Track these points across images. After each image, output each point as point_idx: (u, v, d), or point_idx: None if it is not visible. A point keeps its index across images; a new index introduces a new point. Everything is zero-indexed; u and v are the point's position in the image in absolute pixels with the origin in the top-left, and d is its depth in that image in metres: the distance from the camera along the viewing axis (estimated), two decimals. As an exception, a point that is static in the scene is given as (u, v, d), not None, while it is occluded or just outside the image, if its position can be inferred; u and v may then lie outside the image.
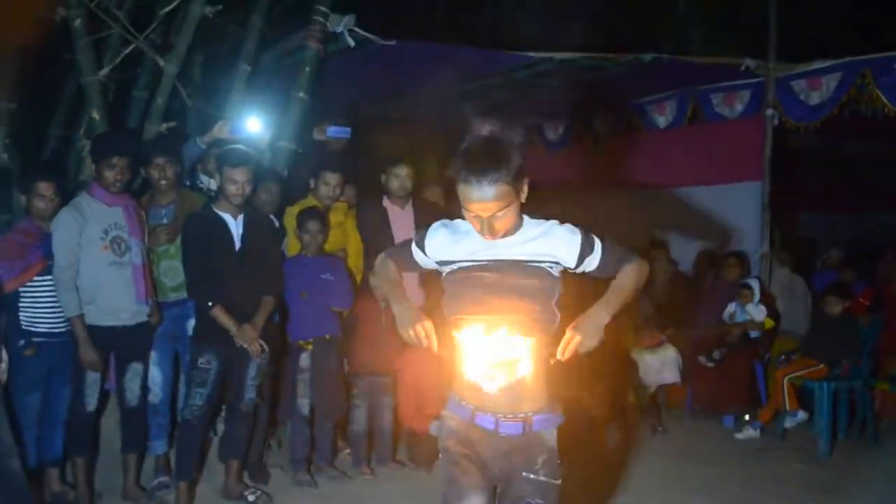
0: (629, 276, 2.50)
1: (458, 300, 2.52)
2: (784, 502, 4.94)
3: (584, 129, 9.10)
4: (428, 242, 2.61)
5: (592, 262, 2.49)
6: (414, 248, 2.66)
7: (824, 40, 7.34)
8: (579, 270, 2.51)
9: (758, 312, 6.59)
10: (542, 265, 2.46)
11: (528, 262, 2.46)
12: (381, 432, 5.37)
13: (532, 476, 2.50)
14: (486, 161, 2.32)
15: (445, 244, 2.57)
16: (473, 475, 2.51)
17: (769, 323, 6.63)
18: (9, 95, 4.87)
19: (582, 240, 2.46)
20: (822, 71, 7.08)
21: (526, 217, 2.51)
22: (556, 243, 2.46)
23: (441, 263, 2.60)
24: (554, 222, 2.51)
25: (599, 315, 2.43)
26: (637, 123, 8.61)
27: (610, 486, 5.13)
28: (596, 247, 2.48)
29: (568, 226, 2.50)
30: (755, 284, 6.70)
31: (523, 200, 2.43)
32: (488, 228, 2.38)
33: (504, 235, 2.45)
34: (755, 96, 7.59)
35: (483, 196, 2.33)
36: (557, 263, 2.47)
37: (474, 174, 2.32)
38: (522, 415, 2.49)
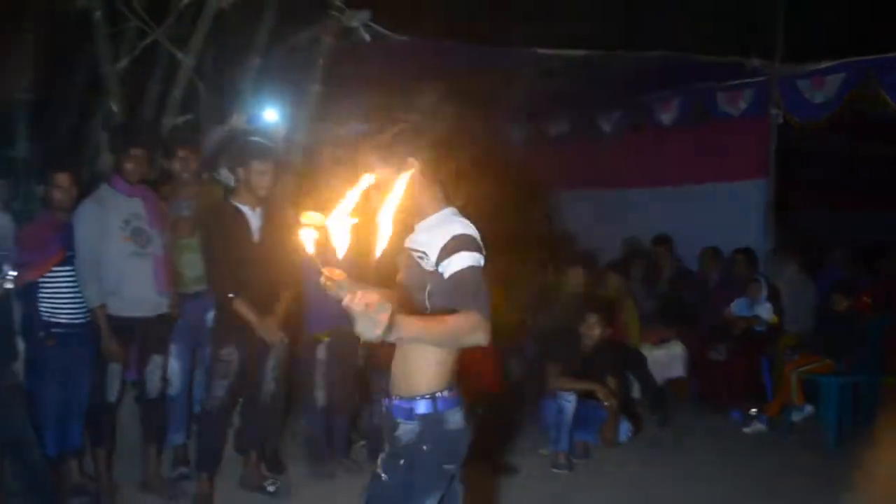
0: (458, 320, 2.20)
1: None
2: (794, 494, 5.01)
3: (588, 126, 9.14)
4: None
5: (446, 271, 2.32)
6: None
7: (830, 40, 7.40)
8: (440, 272, 2.34)
9: (765, 311, 6.67)
10: (415, 255, 2.46)
11: (410, 250, 2.49)
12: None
13: (379, 458, 2.50)
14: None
15: None
16: None
17: (775, 319, 6.71)
18: (30, 85, 4.87)
19: (447, 242, 2.34)
20: (826, 71, 7.16)
21: (448, 208, 2.50)
22: (434, 238, 2.39)
23: None
24: (456, 220, 2.42)
25: (395, 326, 1.99)
26: (642, 121, 8.66)
27: (620, 479, 5.18)
28: (455, 260, 2.30)
29: (458, 226, 2.38)
30: (764, 281, 6.77)
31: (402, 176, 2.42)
32: None
33: (417, 221, 2.51)
34: (759, 95, 7.67)
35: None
36: (427, 256, 2.40)
37: None
38: (394, 395, 2.47)
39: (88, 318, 4.37)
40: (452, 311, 2.23)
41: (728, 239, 7.43)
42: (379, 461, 2.46)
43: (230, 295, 4.40)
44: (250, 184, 4.40)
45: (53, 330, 4.36)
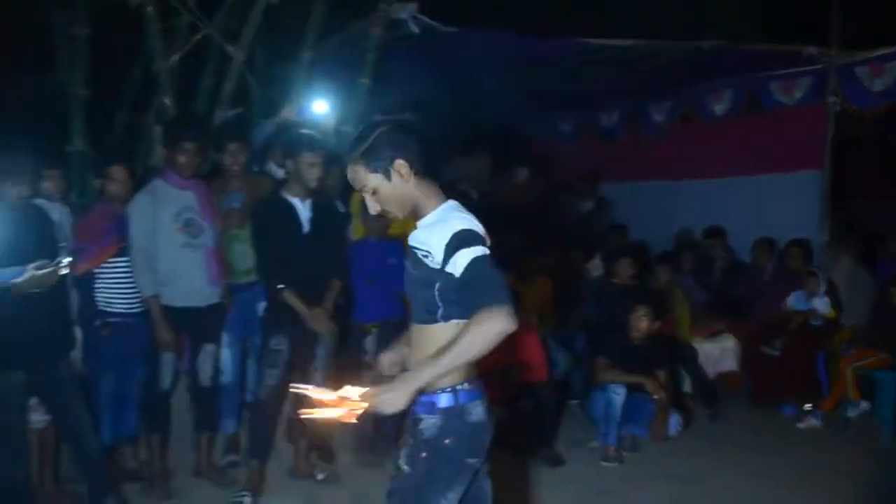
0: (474, 331, 2.23)
1: None
2: (847, 491, 4.90)
3: (639, 116, 9.04)
4: None
5: (454, 270, 2.29)
6: None
7: (886, 27, 7.23)
8: (448, 271, 2.31)
9: (823, 305, 6.54)
10: (418, 252, 2.42)
11: (413, 248, 2.46)
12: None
13: (401, 451, 2.49)
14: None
15: None
16: None
17: (833, 313, 6.57)
18: (83, 82, 4.98)
19: (451, 238, 2.31)
20: (885, 58, 6.99)
21: (447, 203, 2.46)
22: (436, 234, 2.36)
23: None
24: (456, 215, 2.40)
25: (411, 382, 2.25)
26: (693, 112, 8.54)
27: (670, 473, 5.13)
28: (462, 256, 2.28)
29: (457, 222, 2.35)
30: (821, 275, 6.64)
31: (392, 180, 2.41)
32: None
33: (417, 218, 2.49)
34: (815, 84, 7.51)
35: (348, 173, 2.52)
36: (431, 254, 2.36)
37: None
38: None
39: (143, 308, 4.45)
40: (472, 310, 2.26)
41: (782, 231, 7.30)
42: (401, 455, 2.46)
43: (280, 286, 4.45)
44: (300, 175, 4.43)
45: (109, 319, 4.48)
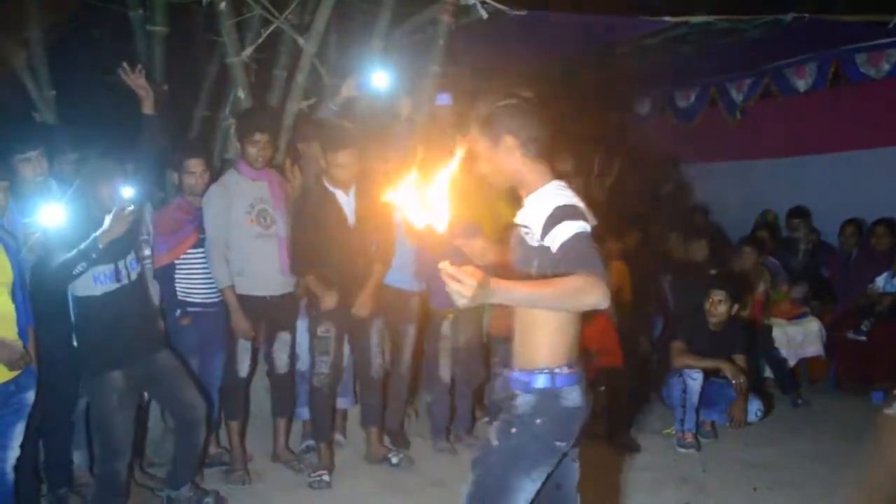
0: (570, 281, 2.15)
1: None
2: (942, 480, 4.71)
3: (718, 95, 8.79)
4: None
5: (553, 243, 2.29)
6: None
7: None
8: (546, 245, 2.32)
9: (913, 285, 6.30)
10: (522, 230, 2.46)
11: (518, 225, 2.50)
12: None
13: (491, 426, 2.53)
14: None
15: None
16: None
17: (924, 294, 6.32)
18: (161, 77, 5.11)
19: (552, 212, 2.33)
20: (980, 26, 6.64)
21: (552, 183, 2.47)
22: (537, 212, 2.39)
23: None
24: (560, 192, 2.41)
25: (489, 291, 2.05)
26: (774, 88, 8.27)
27: (749, 460, 5.03)
28: (560, 230, 2.27)
29: (561, 198, 2.37)
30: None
31: (499, 148, 2.48)
32: None
33: (525, 195, 2.52)
34: (905, 55, 7.19)
35: None
36: (531, 231, 2.41)
37: None
38: (514, 367, 2.52)
39: (221, 298, 4.57)
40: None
41: (869, 210, 7.05)
42: (491, 428, 2.51)
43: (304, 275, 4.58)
44: (332, 175, 4.53)
45: (189, 309, 4.60)
